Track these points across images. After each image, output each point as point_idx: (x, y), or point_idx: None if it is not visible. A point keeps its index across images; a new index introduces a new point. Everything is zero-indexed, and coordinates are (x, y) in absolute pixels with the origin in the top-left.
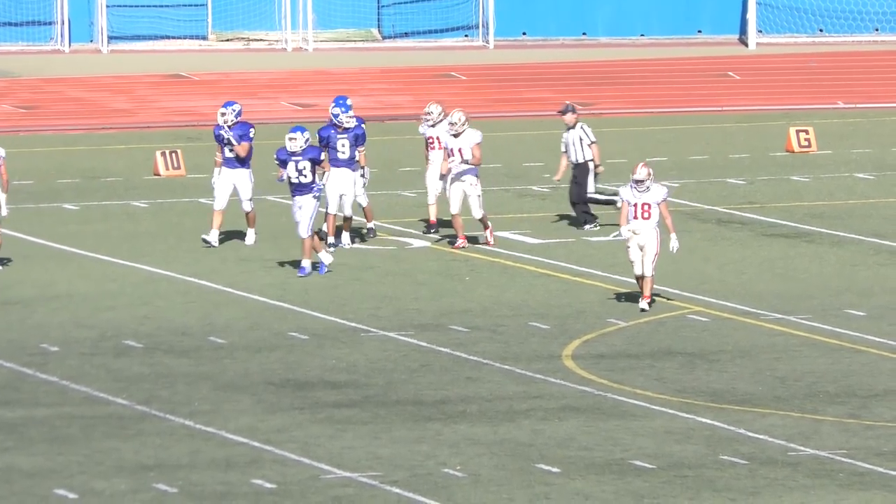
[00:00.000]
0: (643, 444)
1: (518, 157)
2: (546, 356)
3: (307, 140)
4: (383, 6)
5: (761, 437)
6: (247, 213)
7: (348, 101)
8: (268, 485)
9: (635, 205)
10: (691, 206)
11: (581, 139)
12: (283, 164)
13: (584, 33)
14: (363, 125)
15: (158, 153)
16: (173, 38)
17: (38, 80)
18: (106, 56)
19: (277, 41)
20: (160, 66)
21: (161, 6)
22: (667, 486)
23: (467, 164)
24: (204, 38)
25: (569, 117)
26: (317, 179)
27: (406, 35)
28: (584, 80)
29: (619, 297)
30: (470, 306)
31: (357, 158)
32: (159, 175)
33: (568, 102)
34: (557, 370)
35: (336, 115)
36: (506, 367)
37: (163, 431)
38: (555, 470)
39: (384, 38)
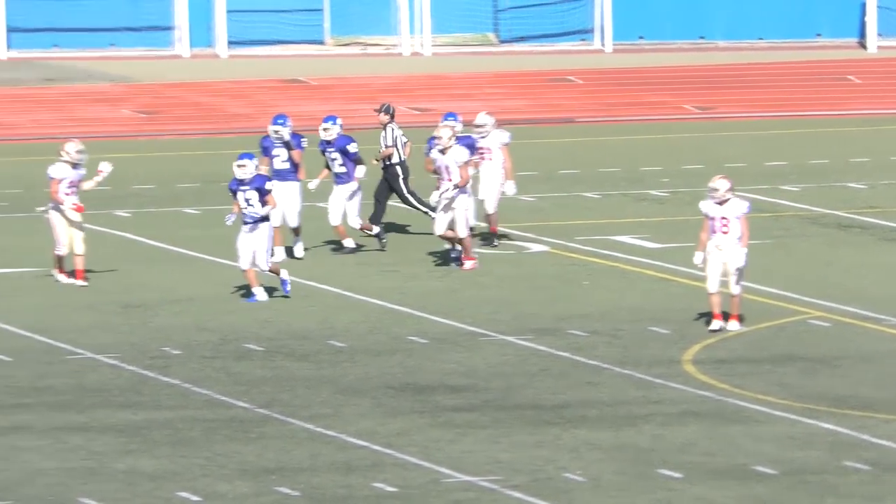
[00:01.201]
0: (765, 449)
1: (635, 161)
2: (666, 361)
3: (256, 167)
4: (500, 10)
5: (885, 442)
6: (294, 228)
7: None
8: (388, 488)
9: (714, 218)
10: (812, 210)
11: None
12: (234, 193)
13: (701, 37)
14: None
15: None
16: (291, 43)
17: (158, 86)
18: (225, 61)
19: (394, 46)
20: (278, 72)
21: (279, 11)
22: (789, 492)
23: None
24: (321, 43)
25: (381, 117)
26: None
27: (523, 39)
28: (702, 83)
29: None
30: (589, 311)
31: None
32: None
33: (386, 103)
34: (677, 375)
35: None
36: (625, 371)
37: (284, 435)
38: (676, 475)
39: (501, 42)
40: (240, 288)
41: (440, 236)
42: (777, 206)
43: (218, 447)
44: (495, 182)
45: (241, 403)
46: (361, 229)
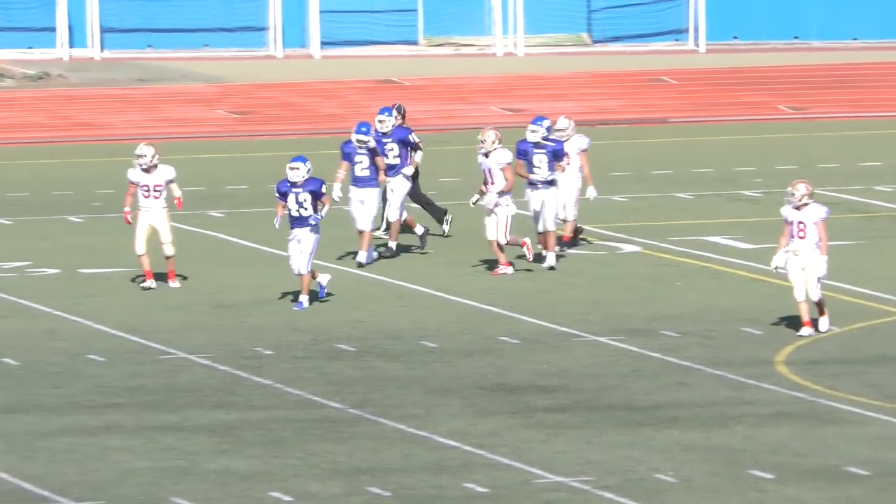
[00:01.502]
0: (858, 450)
1: (729, 161)
2: (758, 361)
3: (309, 170)
4: (593, 10)
5: None
6: (364, 232)
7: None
8: (479, 489)
9: (791, 223)
10: None
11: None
12: (283, 196)
13: (795, 37)
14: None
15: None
16: (384, 43)
17: (251, 86)
18: (318, 61)
19: (488, 46)
20: (371, 72)
21: (372, 12)
22: (882, 494)
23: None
24: (415, 43)
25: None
26: (318, 213)
27: (616, 39)
28: (797, 83)
29: (833, 302)
30: (681, 311)
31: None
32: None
33: (398, 104)
34: (770, 376)
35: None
36: (717, 372)
37: (375, 435)
38: (768, 476)
39: (594, 42)
40: (326, 293)
41: (491, 242)
42: (870, 207)
43: (310, 447)
44: (573, 187)
45: (333, 404)
46: (406, 223)
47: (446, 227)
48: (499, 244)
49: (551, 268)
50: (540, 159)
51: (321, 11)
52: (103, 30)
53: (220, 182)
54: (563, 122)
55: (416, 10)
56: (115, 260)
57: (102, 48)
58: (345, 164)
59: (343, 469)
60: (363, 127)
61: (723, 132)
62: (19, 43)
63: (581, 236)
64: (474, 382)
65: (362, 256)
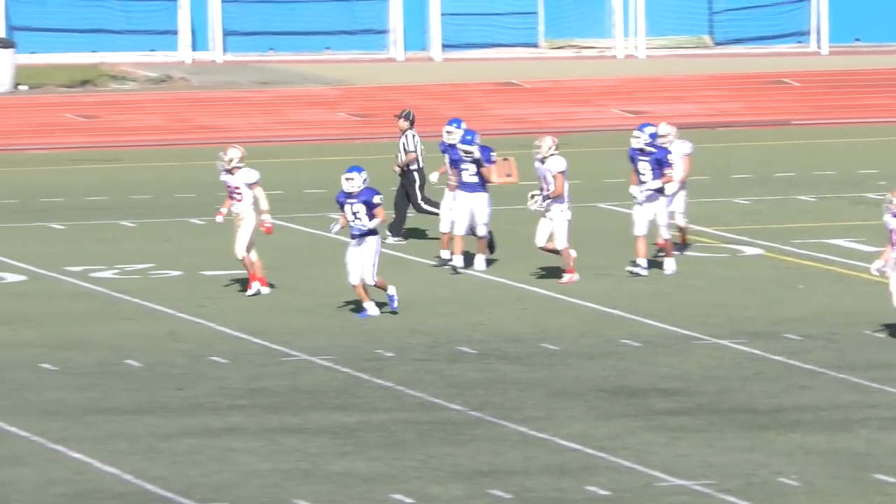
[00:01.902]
0: None
1: (853, 163)
2: (882, 364)
3: (364, 181)
4: (715, 12)
5: None
6: (481, 237)
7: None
8: (601, 492)
9: (892, 230)
10: None
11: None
12: (341, 206)
13: None
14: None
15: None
16: (505, 46)
17: (372, 89)
18: (438, 64)
19: (608, 48)
20: (492, 74)
21: (493, 14)
22: None
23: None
24: (535, 45)
25: (401, 123)
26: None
27: (738, 41)
28: None
29: None
30: (804, 314)
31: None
32: (491, 182)
33: (407, 109)
34: (894, 379)
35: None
36: (841, 375)
37: (497, 437)
38: (892, 480)
39: (716, 44)
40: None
41: (540, 248)
42: None
43: (431, 449)
44: (680, 192)
45: (454, 406)
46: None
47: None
48: (556, 250)
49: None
50: (644, 166)
51: (442, 14)
52: (225, 33)
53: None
54: (664, 129)
55: (536, 13)
56: (237, 262)
57: (224, 51)
58: (454, 171)
59: (464, 471)
60: (468, 136)
61: (845, 135)
62: (142, 46)
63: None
64: (596, 385)
65: (458, 261)
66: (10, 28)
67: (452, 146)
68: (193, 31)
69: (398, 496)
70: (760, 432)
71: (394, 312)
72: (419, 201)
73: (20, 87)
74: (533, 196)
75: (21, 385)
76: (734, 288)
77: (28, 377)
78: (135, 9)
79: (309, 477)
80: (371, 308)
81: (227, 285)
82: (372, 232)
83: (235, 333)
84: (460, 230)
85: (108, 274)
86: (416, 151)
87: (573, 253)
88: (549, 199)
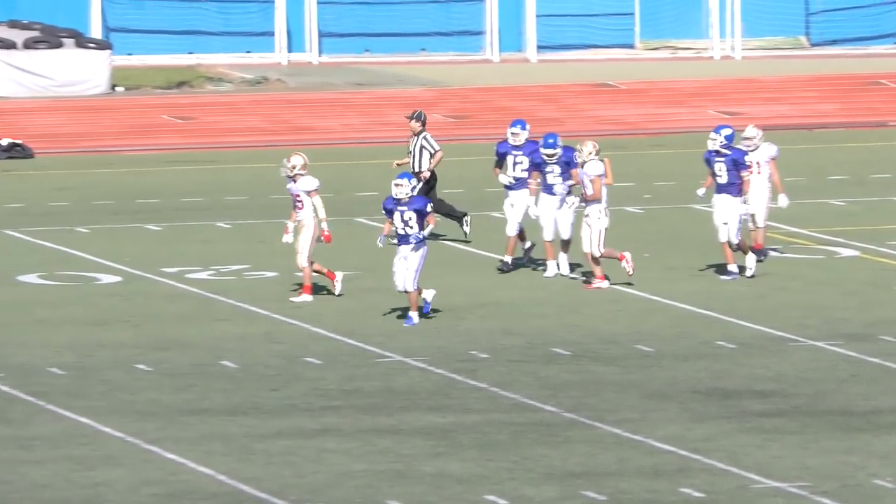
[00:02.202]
0: None
1: None
2: None
3: (413, 188)
4: (811, 13)
5: None
6: (566, 240)
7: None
8: (696, 494)
9: None
10: None
11: (423, 148)
12: (390, 213)
13: None
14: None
15: None
16: (601, 47)
17: (468, 90)
18: (534, 65)
19: (704, 49)
20: (587, 75)
21: (589, 15)
22: None
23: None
24: (631, 46)
25: (414, 125)
26: (423, 231)
27: (834, 42)
28: None
29: None
30: None
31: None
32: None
33: (418, 109)
34: None
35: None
36: None
37: (591, 439)
38: None
39: (812, 45)
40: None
41: (585, 255)
42: None
43: (525, 451)
44: (763, 196)
45: (548, 407)
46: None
47: (467, 229)
48: (593, 257)
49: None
50: (720, 167)
51: (538, 15)
52: (321, 34)
53: (438, 185)
54: (750, 131)
55: (633, 14)
56: (332, 264)
57: (320, 53)
58: (536, 174)
59: (558, 473)
60: (550, 138)
61: None
62: (238, 47)
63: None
64: (690, 387)
65: (561, 267)
66: (107, 30)
67: (517, 147)
68: (289, 33)
69: (492, 497)
70: (856, 434)
71: (427, 316)
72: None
73: (117, 89)
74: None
75: (116, 386)
76: (830, 290)
77: (123, 378)
78: (231, 10)
79: (403, 478)
80: (416, 316)
81: (322, 286)
82: (423, 240)
83: (330, 334)
84: (549, 235)
85: (203, 275)
86: (419, 154)
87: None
88: (585, 203)
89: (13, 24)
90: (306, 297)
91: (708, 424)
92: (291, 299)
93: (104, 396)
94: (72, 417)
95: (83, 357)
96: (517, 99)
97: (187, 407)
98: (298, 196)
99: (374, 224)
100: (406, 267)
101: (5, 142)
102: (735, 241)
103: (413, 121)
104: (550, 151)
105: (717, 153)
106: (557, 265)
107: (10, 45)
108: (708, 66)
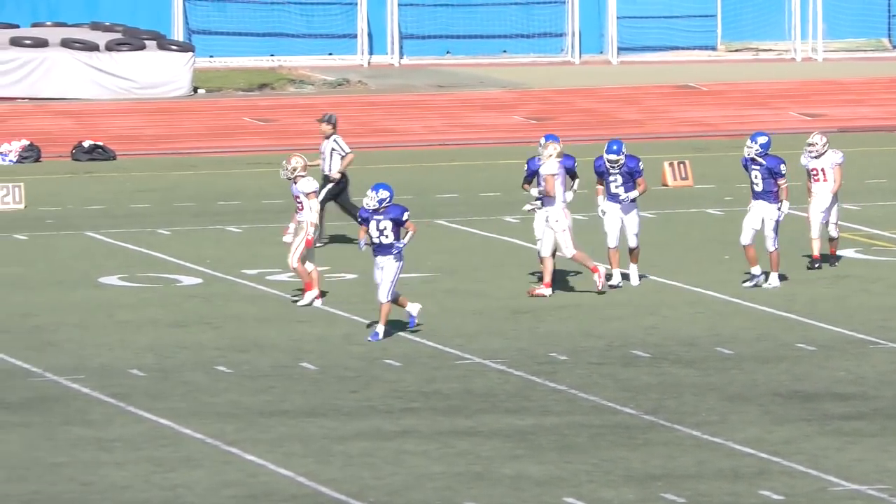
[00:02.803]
0: None
1: None
2: None
3: (391, 197)
4: (894, 15)
5: None
6: (631, 250)
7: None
8: (775, 496)
9: None
10: None
11: (333, 150)
12: (365, 222)
13: None
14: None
15: (666, 164)
16: (682, 48)
17: (549, 92)
18: (615, 67)
19: (786, 51)
20: (669, 77)
21: (671, 17)
22: None
23: None
24: (713, 48)
25: (324, 127)
26: (400, 240)
27: None
28: None
29: None
30: None
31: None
32: (667, 185)
33: (329, 112)
34: None
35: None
36: None
37: (670, 441)
38: None
39: (894, 46)
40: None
41: (542, 258)
42: None
43: (604, 453)
44: (830, 203)
45: (627, 410)
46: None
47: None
48: (542, 258)
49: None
50: (756, 175)
51: (619, 17)
52: (402, 36)
53: (517, 188)
54: (814, 138)
55: (714, 16)
56: (412, 265)
57: (401, 55)
58: (600, 182)
59: (637, 475)
60: (614, 145)
61: None
62: (320, 49)
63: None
64: (770, 389)
65: (631, 278)
66: (189, 32)
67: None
68: (371, 35)
69: (570, 500)
70: None
71: (413, 330)
72: (323, 199)
73: (198, 91)
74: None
75: (196, 387)
76: None
77: (203, 379)
78: (314, 13)
79: (481, 480)
80: (383, 331)
81: (403, 286)
82: (398, 250)
83: (409, 336)
84: (612, 242)
85: (283, 277)
86: (329, 156)
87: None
88: (540, 200)
89: (95, 26)
90: (310, 295)
91: (788, 427)
92: (298, 303)
93: (184, 398)
94: (152, 419)
95: (163, 359)
96: (598, 101)
97: (267, 409)
98: (298, 198)
99: (454, 226)
100: (381, 277)
101: (87, 143)
102: (772, 248)
103: (324, 123)
104: (614, 157)
105: (753, 160)
106: (622, 274)
107: (92, 48)
108: (790, 68)
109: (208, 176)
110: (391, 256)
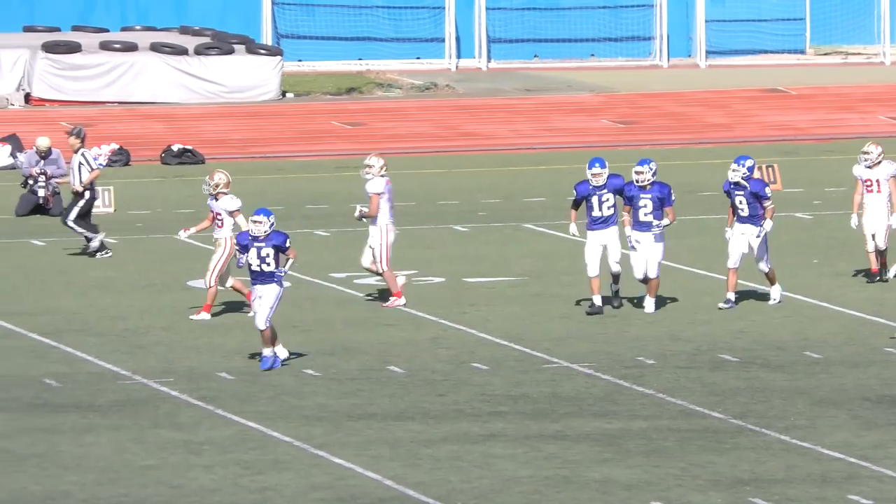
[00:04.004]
0: None
1: None
2: None
3: (272, 224)
4: None
5: None
6: (649, 280)
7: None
8: (865, 501)
9: None
10: None
11: (81, 164)
12: (244, 249)
13: None
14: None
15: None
16: (771, 52)
17: (636, 95)
18: (703, 71)
19: (875, 55)
20: (757, 81)
21: (759, 21)
22: None
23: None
24: (802, 52)
25: (72, 141)
26: (281, 266)
27: None
28: None
29: None
30: None
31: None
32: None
33: (77, 125)
34: None
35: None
36: None
37: (758, 446)
38: None
39: None
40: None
41: (365, 269)
42: None
43: (692, 457)
44: (883, 215)
45: (715, 414)
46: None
47: (101, 250)
48: (378, 272)
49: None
50: (741, 200)
51: (707, 21)
52: (490, 40)
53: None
54: (870, 147)
55: (804, 19)
56: (499, 269)
57: (489, 58)
58: (627, 208)
59: (725, 480)
60: (644, 162)
61: None
62: (408, 53)
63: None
64: (860, 394)
65: (649, 305)
66: (278, 36)
67: (599, 186)
68: (458, 39)
69: None
70: None
71: (265, 369)
72: (73, 218)
73: (286, 95)
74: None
75: (284, 390)
76: None
77: (291, 383)
78: (403, 17)
79: (569, 484)
80: (270, 354)
81: (490, 290)
82: (279, 278)
83: (497, 340)
84: (640, 274)
85: (371, 280)
86: (78, 171)
87: (401, 280)
88: (363, 216)
89: (185, 31)
90: (204, 316)
91: (877, 431)
92: (191, 317)
93: (272, 401)
94: (240, 422)
95: (252, 362)
96: (685, 105)
97: (354, 412)
98: (219, 214)
99: (541, 230)
100: (260, 305)
101: (176, 147)
102: (766, 269)
103: (72, 137)
104: (641, 169)
105: (737, 185)
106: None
107: (181, 52)
108: (879, 72)
109: (296, 180)
110: (272, 284)
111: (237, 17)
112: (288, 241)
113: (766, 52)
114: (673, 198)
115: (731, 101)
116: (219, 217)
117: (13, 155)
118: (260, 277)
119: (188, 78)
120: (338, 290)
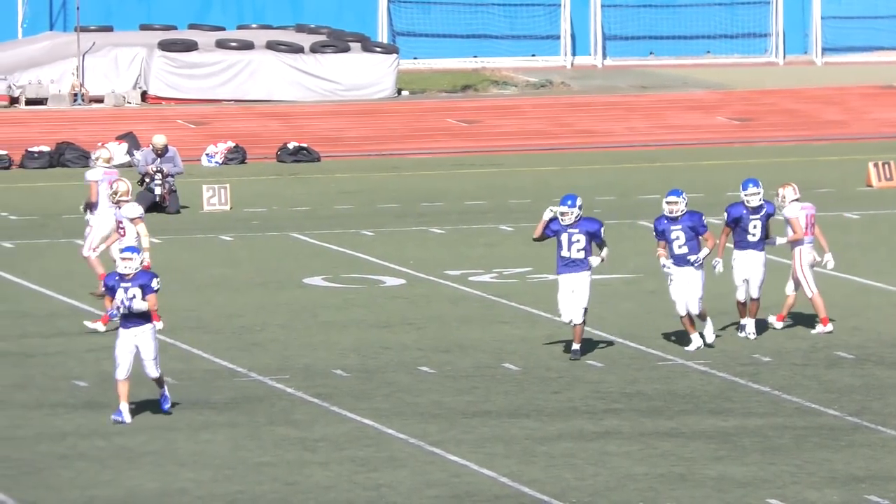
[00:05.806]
0: None
1: None
2: None
3: (143, 262)
4: None
5: None
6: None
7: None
8: None
9: None
10: None
11: None
12: (111, 291)
13: None
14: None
15: (871, 164)
16: (887, 49)
17: (752, 92)
18: (819, 68)
19: None
20: (874, 77)
21: (876, 17)
22: None
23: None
24: None
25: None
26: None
27: None
28: None
29: None
30: None
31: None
32: (871, 186)
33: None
34: None
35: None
36: None
37: (874, 443)
38: None
39: None
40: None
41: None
42: None
43: (807, 454)
44: None
45: (831, 411)
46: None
47: None
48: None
49: (749, 336)
50: (755, 225)
51: (823, 17)
52: (606, 37)
53: (720, 189)
54: None
55: None
56: (615, 267)
57: (605, 56)
58: (662, 244)
59: (841, 477)
60: (674, 194)
61: None
62: (524, 51)
63: None
64: None
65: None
66: (393, 34)
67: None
68: (574, 36)
69: (774, 501)
70: None
71: (165, 412)
72: None
73: (402, 93)
74: None
75: (400, 388)
76: None
77: (406, 380)
78: (518, 14)
79: (684, 481)
80: (168, 402)
81: (605, 287)
82: (146, 318)
83: (612, 337)
84: (682, 310)
85: (486, 278)
86: None
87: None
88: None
89: (300, 29)
90: (98, 325)
91: None
92: (88, 325)
93: (388, 399)
94: (356, 419)
95: (367, 359)
96: (801, 101)
97: (470, 409)
98: (121, 223)
99: (646, 223)
100: (130, 350)
101: (292, 145)
102: (756, 295)
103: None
104: (681, 201)
105: (756, 210)
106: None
107: (297, 50)
108: None
109: (411, 177)
110: (147, 325)
111: (353, 15)
112: (155, 281)
113: (882, 48)
114: (705, 224)
115: (847, 97)
116: (122, 226)
117: (130, 153)
118: (131, 321)
119: (304, 76)
120: (452, 287)
